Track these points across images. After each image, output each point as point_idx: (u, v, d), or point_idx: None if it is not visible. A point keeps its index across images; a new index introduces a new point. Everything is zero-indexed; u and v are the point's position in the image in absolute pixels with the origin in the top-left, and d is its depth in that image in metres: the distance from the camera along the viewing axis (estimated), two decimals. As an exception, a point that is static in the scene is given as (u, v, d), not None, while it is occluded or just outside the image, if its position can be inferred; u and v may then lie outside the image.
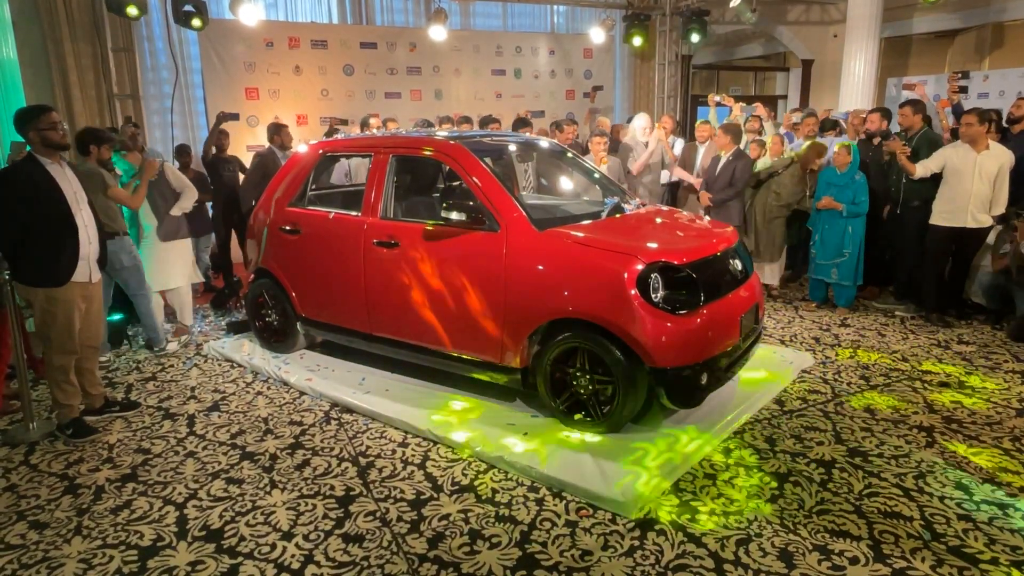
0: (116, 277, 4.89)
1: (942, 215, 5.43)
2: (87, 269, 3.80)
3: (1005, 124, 6.12)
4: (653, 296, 3.36)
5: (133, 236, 5.16)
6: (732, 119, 7.45)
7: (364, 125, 7.26)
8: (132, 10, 7.26)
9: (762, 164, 6.42)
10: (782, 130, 7.64)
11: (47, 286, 3.67)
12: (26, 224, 3.57)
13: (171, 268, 5.49)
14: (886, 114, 6.53)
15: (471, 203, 3.85)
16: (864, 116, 6.72)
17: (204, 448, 3.69)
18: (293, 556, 2.73)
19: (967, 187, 5.25)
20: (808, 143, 6.40)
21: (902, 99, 10.18)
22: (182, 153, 6.84)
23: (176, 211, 5.39)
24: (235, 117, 6.52)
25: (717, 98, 8.28)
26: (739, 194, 6.14)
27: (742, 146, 6.27)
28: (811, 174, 6.23)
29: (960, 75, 7.04)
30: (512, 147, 5.08)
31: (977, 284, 5.70)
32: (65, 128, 3.71)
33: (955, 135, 5.68)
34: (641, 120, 7.15)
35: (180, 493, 3.23)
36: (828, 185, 5.91)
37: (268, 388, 4.54)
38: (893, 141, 5.57)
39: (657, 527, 2.86)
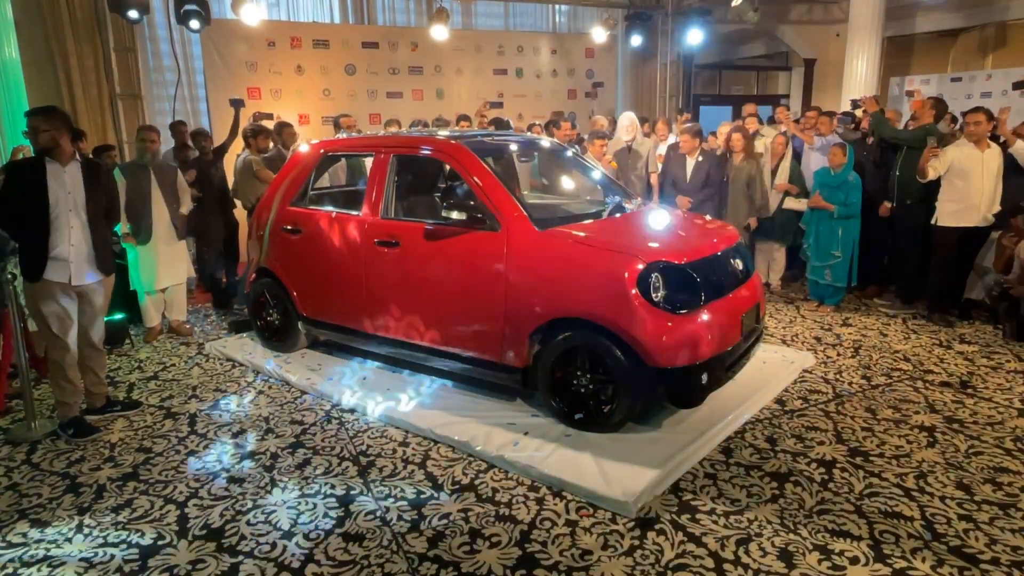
0: None
1: (951, 215, 5.35)
2: (66, 270, 3.73)
3: None
4: (654, 296, 3.36)
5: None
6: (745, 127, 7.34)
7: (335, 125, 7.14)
8: (133, 13, 7.29)
9: (766, 165, 6.44)
10: (782, 128, 7.60)
11: (26, 280, 3.76)
12: (13, 218, 3.69)
13: (178, 265, 5.67)
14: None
15: (472, 202, 3.85)
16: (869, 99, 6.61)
17: (205, 447, 3.70)
18: (293, 555, 2.73)
19: (977, 186, 5.21)
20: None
21: (905, 100, 10.18)
22: (204, 137, 6.78)
23: (184, 210, 5.66)
24: (240, 103, 6.63)
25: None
26: (718, 192, 6.26)
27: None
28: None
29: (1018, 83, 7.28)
30: (513, 146, 5.08)
31: (981, 285, 5.68)
32: (43, 132, 3.65)
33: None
34: (624, 119, 7.08)
35: (181, 492, 3.24)
36: (822, 186, 5.89)
37: (269, 387, 4.55)
38: (930, 148, 5.37)
39: (657, 527, 2.86)
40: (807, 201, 6.00)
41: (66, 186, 3.72)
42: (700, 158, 6.19)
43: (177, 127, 7.12)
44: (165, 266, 5.52)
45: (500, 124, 7.49)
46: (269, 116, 6.90)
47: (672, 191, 6.29)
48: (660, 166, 7.09)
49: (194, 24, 7.53)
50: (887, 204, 5.92)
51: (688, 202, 6.10)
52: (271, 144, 6.37)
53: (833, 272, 5.91)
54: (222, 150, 6.65)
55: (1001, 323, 5.33)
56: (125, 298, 5.49)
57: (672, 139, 7.39)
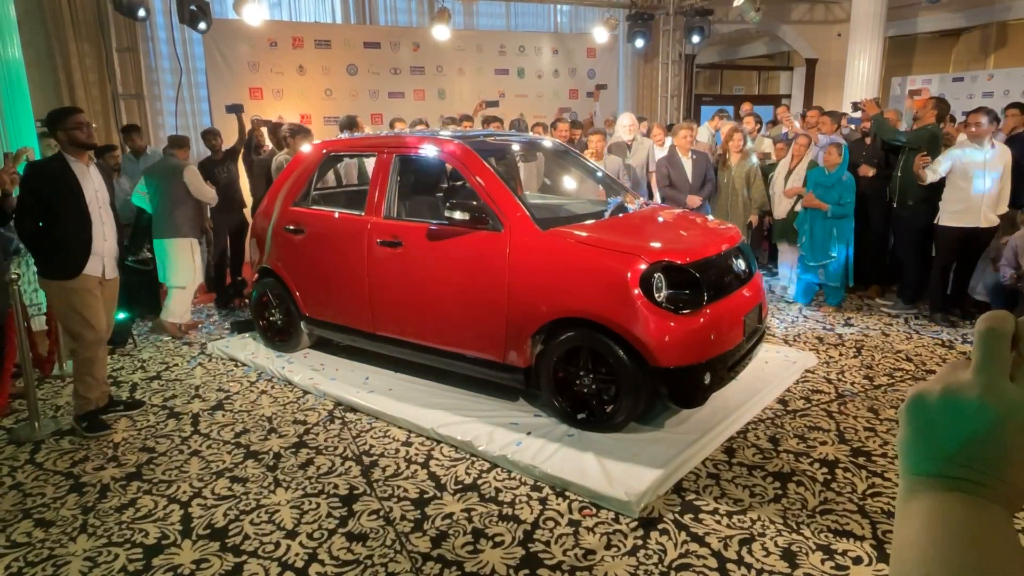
0: None
1: (953, 216, 5.34)
2: (100, 265, 3.90)
3: None
4: (656, 296, 3.36)
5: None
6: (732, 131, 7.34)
7: (351, 126, 7.06)
8: (141, 12, 7.32)
9: (783, 166, 6.43)
10: (783, 130, 7.60)
11: (59, 279, 3.78)
12: (45, 217, 3.73)
13: (197, 264, 5.82)
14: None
15: (474, 203, 3.86)
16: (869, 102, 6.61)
17: (208, 447, 3.71)
18: (297, 555, 2.74)
19: (980, 186, 5.22)
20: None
21: (906, 100, 10.17)
22: (214, 136, 6.78)
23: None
24: (239, 108, 6.64)
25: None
26: (715, 190, 6.50)
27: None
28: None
29: None
30: (515, 147, 5.08)
31: (981, 283, 5.68)
32: (92, 128, 3.83)
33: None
34: (625, 119, 7.08)
35: (184, 492, 3.24)
36: (816, 185, 5.88)
37: (272, 387, 4.55)
38: (920, 156, 5.38)
39: (660, 526, 2.86)
40: (803, 201, 6.00)
41: (93, 184, 3.85)
42: (693, 156, 6.24)
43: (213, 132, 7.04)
44: (183, 267, 5.70)
45: (513, 124, 7.46)
46: (267, 123, 6.88)
47: (673, 192, 6.30)
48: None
49: (201, 26, 7.53)
50: (867, 168, 5.94)
51: (699, 200, 6.18)
52: (270, 145, 6.39)
53: (827, 271, 5.90)
54: (234, 153, 6.66)
55: None
56: (127, 298, 5.50)
57: (669, 142, 7.40)
